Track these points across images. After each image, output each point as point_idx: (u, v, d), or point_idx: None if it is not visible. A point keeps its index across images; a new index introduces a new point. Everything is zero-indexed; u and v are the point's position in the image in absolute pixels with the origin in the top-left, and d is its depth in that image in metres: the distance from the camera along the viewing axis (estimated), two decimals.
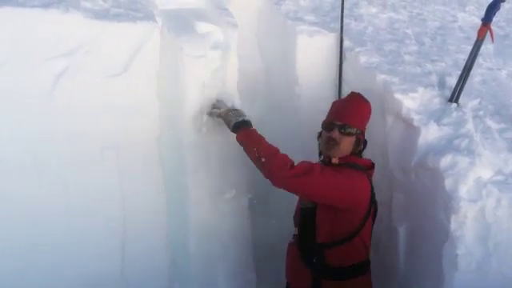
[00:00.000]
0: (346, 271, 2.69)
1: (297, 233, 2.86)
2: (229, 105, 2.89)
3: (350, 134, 2.74)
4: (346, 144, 2.74)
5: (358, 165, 2.73)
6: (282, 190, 3.47)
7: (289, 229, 3.54)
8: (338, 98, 3.47)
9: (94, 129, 2.50)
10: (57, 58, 2.39)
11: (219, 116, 2.83)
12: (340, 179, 2.58)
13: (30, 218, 2.33)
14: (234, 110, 2.83)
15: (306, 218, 2.77)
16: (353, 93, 2.91)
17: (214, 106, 2.87)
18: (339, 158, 2.73)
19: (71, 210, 2.45)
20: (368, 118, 2.88)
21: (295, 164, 2.58)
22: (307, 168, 2.56)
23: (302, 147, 3.48)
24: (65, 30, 2.42)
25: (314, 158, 3.44)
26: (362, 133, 2.82)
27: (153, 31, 2.69)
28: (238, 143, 2.72)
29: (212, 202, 2.98)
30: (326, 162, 2.75)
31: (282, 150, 3.51)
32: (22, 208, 2.31)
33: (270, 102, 3.51)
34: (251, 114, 3.40)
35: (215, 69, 2.88)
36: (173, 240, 2.88)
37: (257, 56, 3.47)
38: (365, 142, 2.84)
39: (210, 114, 2.86)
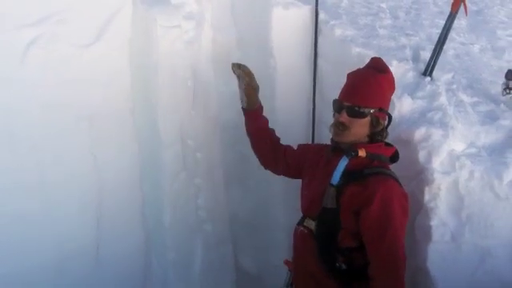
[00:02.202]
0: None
1: (313, 229, 2.46)
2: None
3: (362, 116, 2.39)
4: (359, 127, 2.40)
5: (388, 170, 2.42)
6: (258, 167, 3.47)
7: (265, 204, 3.56)
8: (313, 71, 3.45)
9: (66, 99, 2.44)
10: (28, 26, 2.31)
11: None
12: (403, 219, 2.34)
13: (2, 189, 2.28)
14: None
15: (326, 218, 2.40)
16: (372, 60, 2.55)
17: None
18: (360, 145, 2.39)
19: (45, 181, 2.40)
20: (389, 89, 2.53)
21: None
22: (402, 244, 2.30)
23: (276, 121, 3.46)
24: None
25: (289, 132, 3.44)
26: (381, 109, 2.45)
27: (125, 0, 2.63)
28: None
29: (187, 176, 2.96)
30: (350, 154, 2.35)
31: None
32: None
33: None
34: (225, 86, 3.39)
35: (189, 40, 2.83)
36: (148, 213, 2.87)
37: (231, 27, 3.40)
38: (389, 118, 2.52)
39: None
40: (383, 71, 2.49)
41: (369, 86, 2.44)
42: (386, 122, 2.51)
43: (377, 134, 2.47)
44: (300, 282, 2.62)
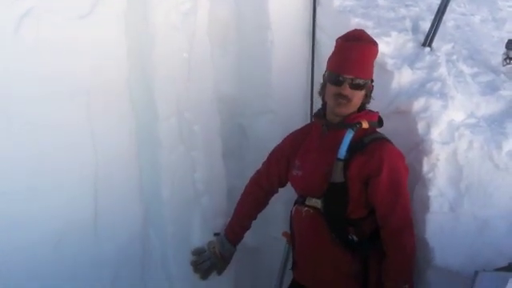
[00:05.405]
0: (378, 233, 2.45)
1: (320, 207, 2.46)
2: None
3: (362, 88, 2.44)
4: (358, 99, 2.45)
5: (381, 134, 2.49)
6: (256, 140, 3.45)
7: None
8: (311, 44, 3.41)
9: (61, 71, 2.41)
10: None
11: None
12: (405, 180, 2.44)
13: None
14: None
15: (335, 193, 2.42)
16: (357, 32, 2.53)
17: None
18: (353, 116, 2.45)
19: (41, 155, 2.39)
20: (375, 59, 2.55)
21: None
22: (410, 204, 2.46)
23: (274, 93, 3.45)
24: None
25: (287, 105, 3.43)
26: (372, 80, 2.52)
27: None
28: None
29: (184, 149, 2.95)
30: (355, 126, 2.40)
31: (254, 97, 3.48)
32: None
33: (242, 47, 3.44)
34: (222, 58, 3.35)
35: (185, 11, 2.80)
36: (146, 187, 2.86)
37: None
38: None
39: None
40: (374, 42, 2.52)
41: (366, 57, 2.48)
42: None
43: (365, 104, 2.53)
44: (310, 263, 2.58)
